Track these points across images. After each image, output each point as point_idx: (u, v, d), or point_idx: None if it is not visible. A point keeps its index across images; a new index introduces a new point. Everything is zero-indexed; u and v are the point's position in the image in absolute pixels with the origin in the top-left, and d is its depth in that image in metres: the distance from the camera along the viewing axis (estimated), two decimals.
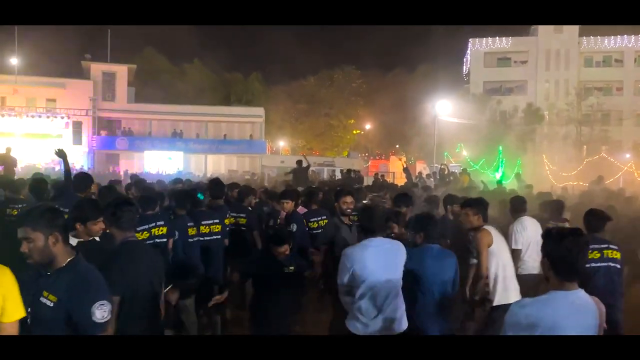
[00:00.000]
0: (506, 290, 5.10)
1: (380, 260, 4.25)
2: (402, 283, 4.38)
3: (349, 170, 19.22)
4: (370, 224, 4.42)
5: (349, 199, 6.28)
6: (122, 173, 32.36)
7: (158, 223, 5.80)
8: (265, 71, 56.02)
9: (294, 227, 7.01)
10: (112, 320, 3.09)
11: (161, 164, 38.31)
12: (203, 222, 6.49)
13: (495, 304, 5.03)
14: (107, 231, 4.06)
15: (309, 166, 17.19)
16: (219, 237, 6.68)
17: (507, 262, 5.23)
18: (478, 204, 5.36)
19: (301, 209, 7.67)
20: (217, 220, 6.69)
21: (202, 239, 6.39)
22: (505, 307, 4.82)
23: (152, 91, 43.50)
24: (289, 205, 7.36)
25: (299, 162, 16.68)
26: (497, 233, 5.26)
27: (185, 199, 6.52)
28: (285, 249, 5.11)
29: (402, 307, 4.37)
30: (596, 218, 5.45)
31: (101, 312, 2.93)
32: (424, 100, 39.00)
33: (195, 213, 6.55)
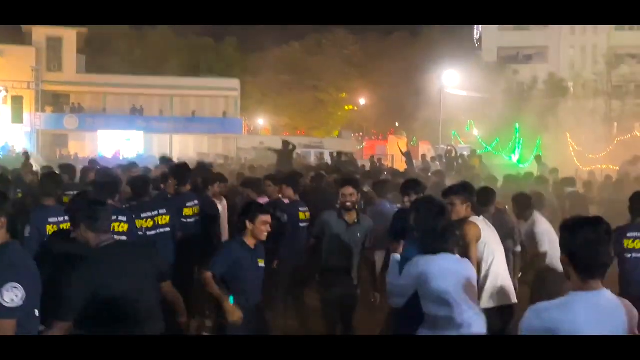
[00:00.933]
0: (496, 289, 5.12)
1: (450, 267, 4.24)
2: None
3: (339, 153, 19.27)
4: (443, 245, 4.30)
5: (347, 190, 6.10)
6: (72, 157, 32.21)
7: (120, 217, 5.65)
8: (241, 35, 55.28)
9: (285, 217, 6.97)
10: (26, 312, 3.15)
11: (118, 146, 38.02)
12: (142, 215, 6.26)
13: (484, 305, 4.93)
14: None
15: (293, 148, 17.46)
16: (167, 229, 6.46)
17: (498, 257, 5.25)
18: (465, 190, 5.36)
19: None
20: (163, 211, 6.45)
21: (143, 234, 6.15)
22: (499, 310, 5.05)
23: (106, 59, 43.01)
24: (290, 191, 7.28)
25: (286, 144, 17.00)
26: (486, 224, 5.31)
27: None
28: (268, 219, 4.96)
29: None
30: None
31: (11, 295, 3.07)
32: (428, 70, 38.71)
33: (141, 204, 6.41)
